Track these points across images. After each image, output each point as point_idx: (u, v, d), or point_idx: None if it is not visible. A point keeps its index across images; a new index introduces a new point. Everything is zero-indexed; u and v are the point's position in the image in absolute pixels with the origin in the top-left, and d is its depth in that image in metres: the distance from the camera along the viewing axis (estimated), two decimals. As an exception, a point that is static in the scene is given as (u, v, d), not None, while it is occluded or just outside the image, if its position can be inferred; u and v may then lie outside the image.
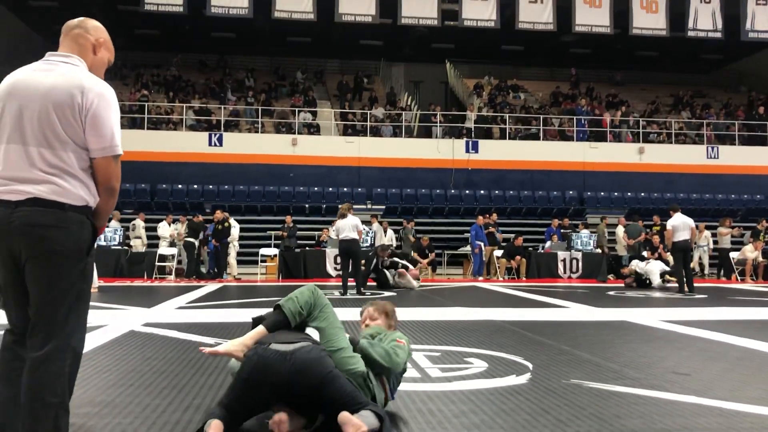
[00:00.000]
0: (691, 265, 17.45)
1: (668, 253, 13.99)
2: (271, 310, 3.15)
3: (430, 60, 27.53)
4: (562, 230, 17.38)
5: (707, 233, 16.79)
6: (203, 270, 15.40)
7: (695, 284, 12.27)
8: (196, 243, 14.82)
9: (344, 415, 2.69)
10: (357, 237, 11.05)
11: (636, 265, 13.92)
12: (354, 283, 11.28)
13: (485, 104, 23.91)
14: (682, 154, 21.37)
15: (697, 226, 16.83)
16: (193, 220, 15.14)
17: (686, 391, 3.78)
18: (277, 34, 24.08)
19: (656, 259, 14.43)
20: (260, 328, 3.00)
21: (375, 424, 2.75)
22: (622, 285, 13.90)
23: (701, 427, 3.07)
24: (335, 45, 25.76)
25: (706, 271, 17.43)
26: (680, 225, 11.90)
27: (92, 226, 2.44)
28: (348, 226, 10.97)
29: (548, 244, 16.96)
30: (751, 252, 15.83)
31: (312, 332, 3.06)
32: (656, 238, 15.26)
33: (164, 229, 15.83)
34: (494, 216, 17.06)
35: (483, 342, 5.60)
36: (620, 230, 16.96)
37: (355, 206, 19.06)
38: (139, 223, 16.16)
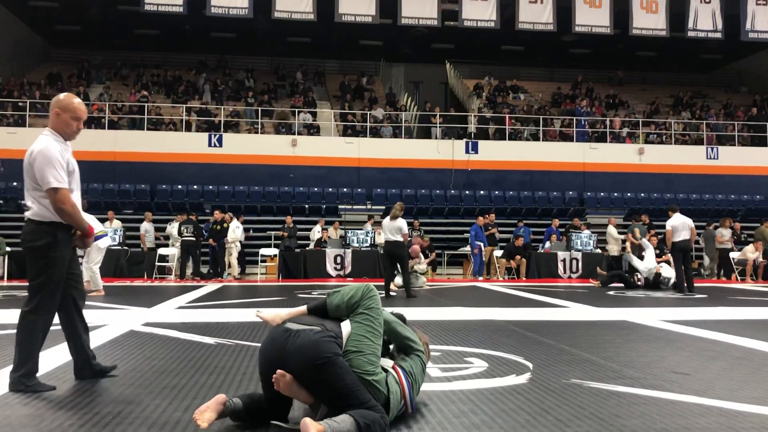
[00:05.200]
0: (705, 264, 17.48)
1: (668, 254, 13.95)
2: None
3: (430, 60, 27.55)
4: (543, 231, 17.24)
5: (714, 232, 16.80)
6: (203, 270, 15.39)
7: (695, 284, 12.26)
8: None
9: (305, 422, 2.63)
10: (401, 239, 10.61)
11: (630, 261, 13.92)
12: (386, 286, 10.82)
13: (485, 105, 23.91)
14: (681, 154, 21.37)
15: (704, 227, 16.83)
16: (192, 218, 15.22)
17: (686, 391, 3.78)
18: (277, 35, 24.09)
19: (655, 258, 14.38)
20: (301, 308, 3.23)
21: (348, 430, 2.66)
22: (622, 285, 13.82)
23: (701, 427, 3.07)
24: (335, 45, 25.77)
25: (705, 272, 17.42)
26: (679, 225, 11.88)
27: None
28: (392, 228, 10.61)
29: (548, 244, 16.95)
30: (752, 252, 15.81)
31: (345, 326, 3.06)
32: (654, 240, 15.21)
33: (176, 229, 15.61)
34: (492, 216, 17.04)
35: (483, 342, 5.60)
36: (612, 230, 16.96)
37: (355, 206, 19.14)
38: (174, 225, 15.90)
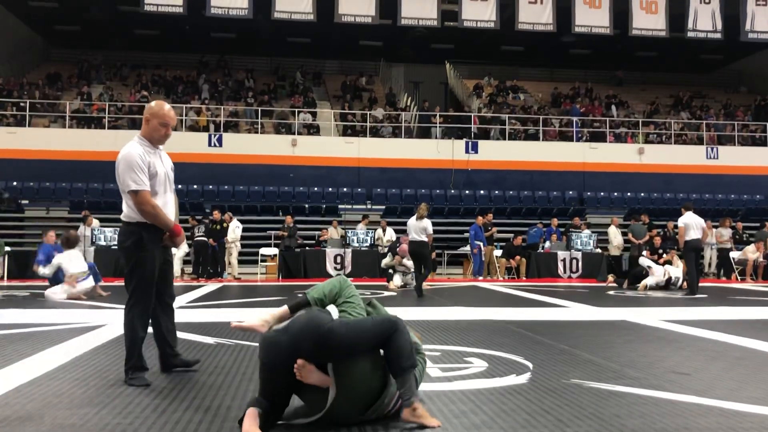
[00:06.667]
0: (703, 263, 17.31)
1: (672, 252, 13.89)
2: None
3: (429, 61, 27.53)
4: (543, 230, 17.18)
5: (715, 231, 16.76)
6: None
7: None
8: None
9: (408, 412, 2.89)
10: (425, 239, 10.84)
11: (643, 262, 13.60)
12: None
13: (485, 105, 23.91)
14: (681, 154, 21.37)
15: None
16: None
17: (686, 391, 3.78)
18: (277, 35, 24.09)
19: (658, 258, 14.33)
20: (283, 308, 3.29)
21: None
22: (624, 285, 13.73)
23: (701, 427, 3.06)
24: (335, 45, 25.77)
25: (706, 270, 17.40)
26: (692, 223, 11.73)
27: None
28: (417, 228, 10.81)
29: (548, 244, 16.95)
30: (752, 253, 15.80)
31: (332, 310, 3.22)
32: (658, 240, 15.16)
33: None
34: (489, 216, 17.02)
35: (483, 342, 5.59)
36: (612, 230, 16.93)
37: (355, 206, 19.13)
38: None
